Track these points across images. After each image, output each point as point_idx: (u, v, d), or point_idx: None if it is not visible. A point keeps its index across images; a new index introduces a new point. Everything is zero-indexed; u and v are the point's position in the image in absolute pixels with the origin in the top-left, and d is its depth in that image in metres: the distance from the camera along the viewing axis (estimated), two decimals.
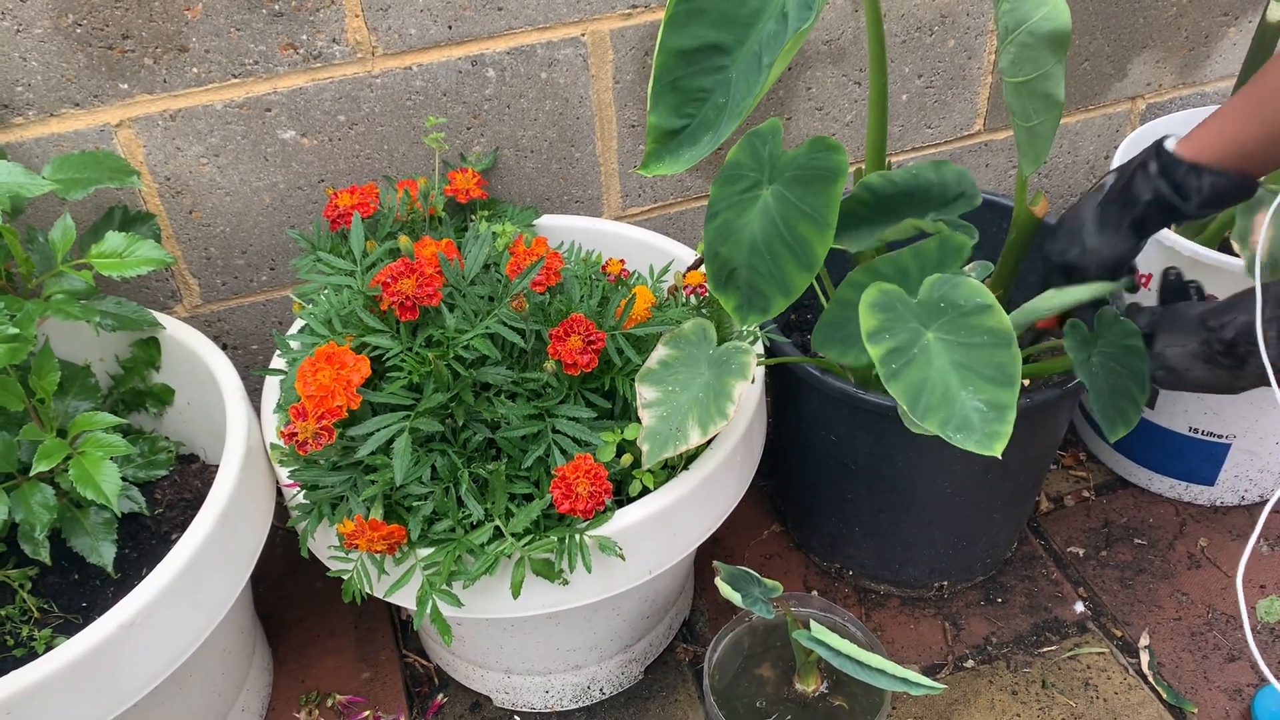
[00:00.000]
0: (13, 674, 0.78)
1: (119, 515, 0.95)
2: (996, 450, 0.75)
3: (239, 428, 0.94)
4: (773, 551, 1.29)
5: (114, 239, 0.95)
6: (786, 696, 0.95)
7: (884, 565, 1.21)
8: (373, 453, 0.85)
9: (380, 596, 0.91)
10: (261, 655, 1.13)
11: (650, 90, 0.69)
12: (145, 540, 1.01)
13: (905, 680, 0.78)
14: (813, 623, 0.83)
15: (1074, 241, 0.90)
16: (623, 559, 0.89)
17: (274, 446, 0.96)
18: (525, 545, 0.86)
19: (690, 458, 0.94)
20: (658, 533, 0.91)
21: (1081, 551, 1.28)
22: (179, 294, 1.15)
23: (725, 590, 0.83)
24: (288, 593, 1.23)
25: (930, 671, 1.16)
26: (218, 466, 0.93)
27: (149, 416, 1.10)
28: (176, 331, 1.04)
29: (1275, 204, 0.86)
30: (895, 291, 0.79)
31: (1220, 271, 1.09)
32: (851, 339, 0.84)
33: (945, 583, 1.22)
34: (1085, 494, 1.34)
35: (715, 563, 0.86)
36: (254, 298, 1.19)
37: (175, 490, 1.05)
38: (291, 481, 0.91)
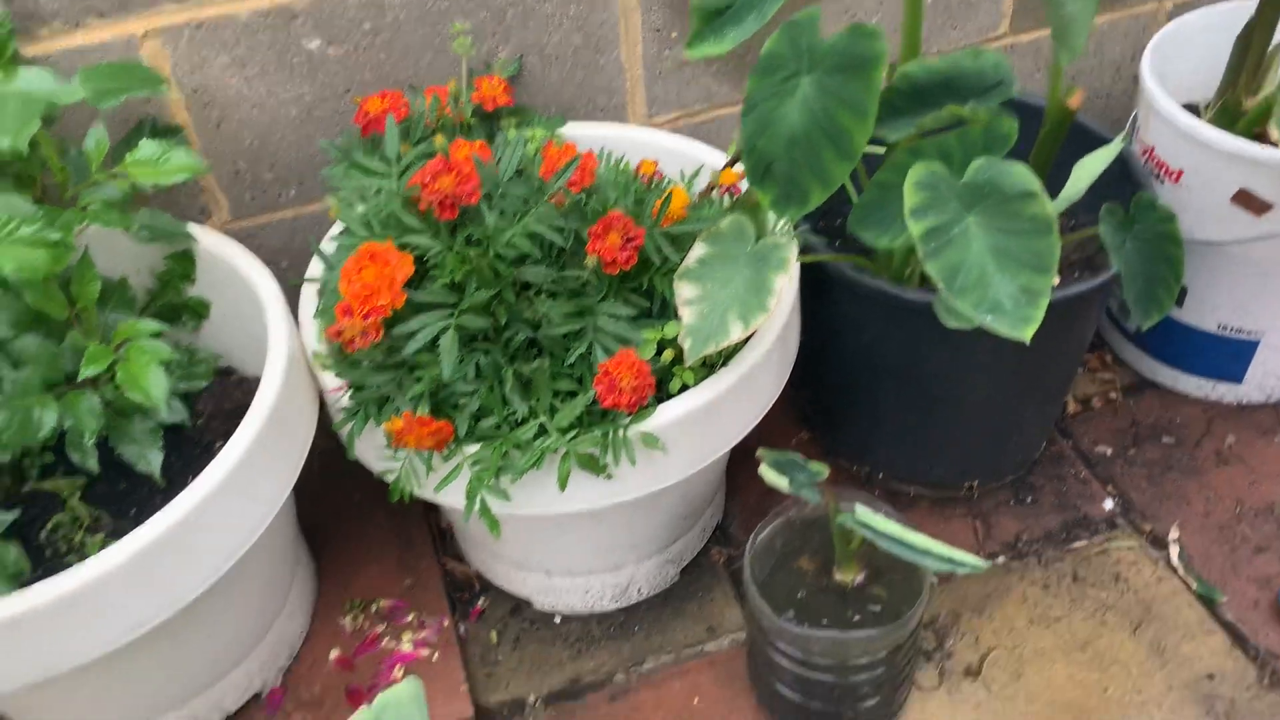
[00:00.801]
0: (75, 569, 0.80)
1: (165, 423, 0.96)
2: (1027, 334, 0.76)
3: (281, 332, 0.94)
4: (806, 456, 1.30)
5: (148, 147, 0.95)
6: (825, 587, 0.96)
7: (914, 467, 1.23)
8: (417, 351, 0.85)
9: (428, 496, 0.93)
10: (305, 564, 1.16)
11: None
12: (189, 451, 1.02)
13: (951, 559, 0.80)
14: (858, 505, 0.84)
15: None
16: (665, 453, 0.90)
17: (315, 354, 0.96)
18: (570, 440, 0.87)
19: (728, 354, 0.95)
20: (699, 428, 0.92)
21: (1109, 451, 1.29)
22: (208, 210, 1.15)
23: (770, 476, 0.84)
24: (327, 506, 1.25)
25: None
26: (257, 379, 0.93)
27: (185, 331, 1.11)
28: (211, 243, 1.05)
29: None
30: (940, 171, 0.79)
31: (1254, 165, 1.08)
32: (889, 220, 0.84)
33: (975, 483, 1.24)
34: (1112, 395, 1.35)
35: (759, 450, 0.87)
36: (283, 213, 1.19)
37: (215, 402, 1.06)
38: (337, 385, 0.92)
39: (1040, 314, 0.74)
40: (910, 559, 0.80)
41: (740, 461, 1.27)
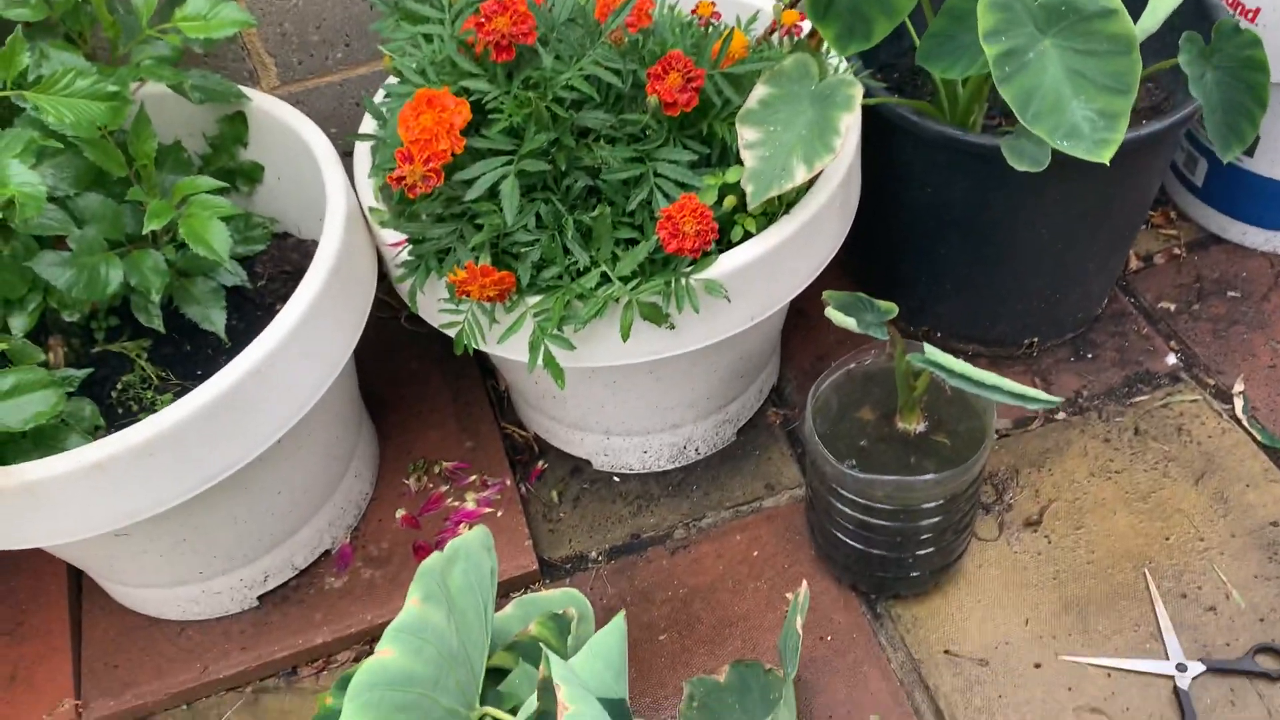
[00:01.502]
0: (150, 419, 0.81)
1: (228, 278, 0.97)
2: (1106, 156, 0.74)
3: (337, 189, 0.94)
4: None
5: (196, 2, 0.93)
6: (887, 436, 0.96)
7: (973, 324, 1.21)
8: (478, 200, 0.85)
9: (490, 350, 0.93)
10: (368, 428, 1.17)
11: None
12: (250, 312, 1.03)
13: (1021, 395, 0.79)
14: (926, 345, 0.83)
15: None
16: (728, 301, 0.89)
17: (373, 210, 0.96)
18: (633, 289, 0.87)
19: (789, 204, 0.93)
20: (762, 276, 0.92)
21: (1173, 306, 1.26)
22: (256, 75, 1.14)
23: (838, 318, 0.83)
24: (386, 375, 1.26)
25: (1022, 424, 1.17)
26: (314, 241, 0.93)
27: (240, 196, 1.11)
28: (263, 104, 1.04)
29: None
30: None
31: None
32: (960, 50, 0.82)
33: (1035, 340, 1.22)
34: (1176, 251, 1.32)
35: (825, 293, 0.86)
36: (330, 77, 1.17)
37: (274, 265, 1.06)
38: (397, 240, 0.92)
39: (1119, 136, 0.72)
40: (980, 394, 0.80)
41: (795, 325, 1.27)
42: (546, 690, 0.77)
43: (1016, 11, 0.75)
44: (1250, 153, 1.22)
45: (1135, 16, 0.93)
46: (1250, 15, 1.12)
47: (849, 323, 0.82)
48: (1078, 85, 0.73)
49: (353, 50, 1.15)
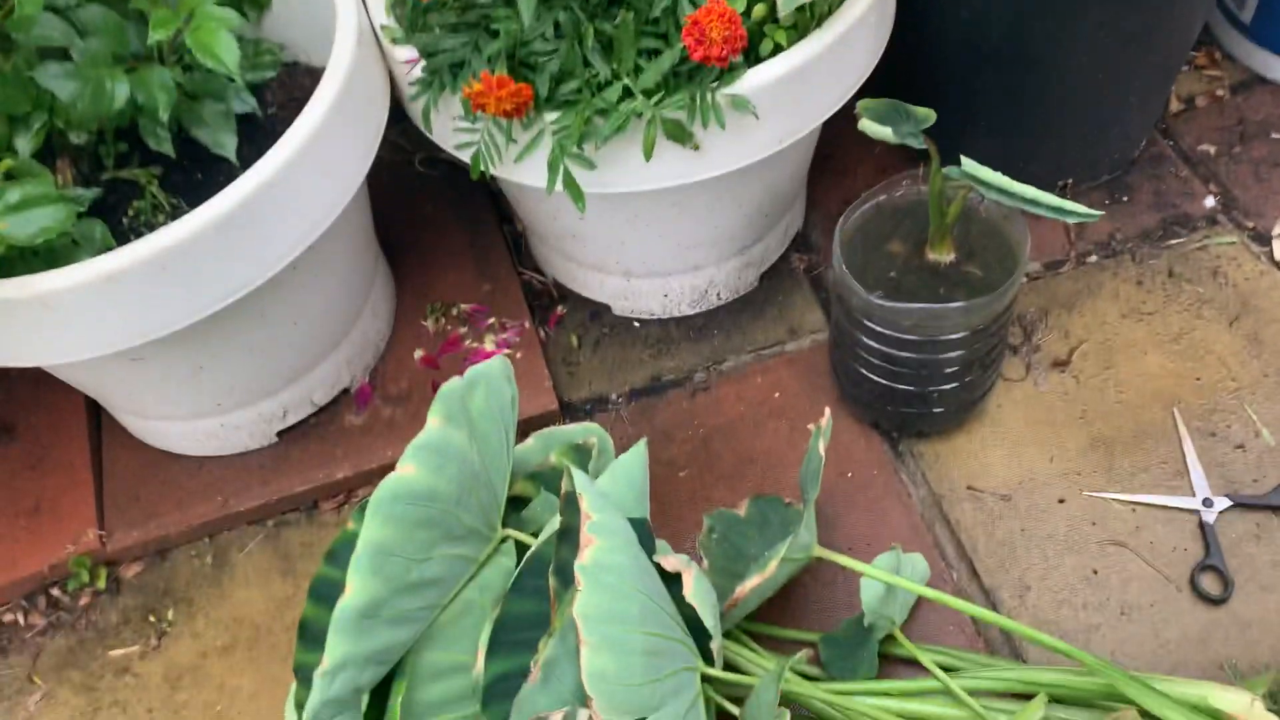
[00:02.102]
0: (163, 230, 0.79)
1: (238, 104, 0.94)
2: None
3: (349, 3, 0.90)
4: (887, 164, 1.25)
5: None
6: (918, 266, 0.94)
7: (1008, 165, 1.14)
8: (493, 4, 0.81)
9: (506, 173, 0.90)
10: (384, 269, 1.15)
11: None
12: (261, 140, 0.99)
13: (1061, 208, 0.76)
14: (963, 158, 0.80)
15: None
16: (756, 117, 0.86)
17: (385, 28, 0.92)
18: (656, 103, 0.83)
19: (822, 18, 0.89)
20: (791, 94, 0.88)
21: (1213, 149, 1.22)
22: None
23: (872, 128, 0.79)
24: (401, 220, 1.24)
25: (1053, 266, 1.14)
26: (324, 68, 0.90)
27: (248, 23, 1.06)
28: None
29: None
30: None
31: None
32: None
33: (1069, 181, 1.18)
34: (1219, 93, 1.27)
35: (861, 102, 0.82)
36: None
37: (284, 92, 1.03)
38: (409, 57, 0.89)
39: None
40: (1018, 206, 0.77)
41: (822, 170, 1.23)
42: (570, 504, 0.76)
43: None
44: None
45: None
46: None
47: (884, 132, 0.78)
48: None
49: None
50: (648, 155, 0.85)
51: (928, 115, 0.81)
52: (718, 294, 1.15)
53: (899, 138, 0.79)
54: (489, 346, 1.12)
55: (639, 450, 0.86)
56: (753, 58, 0.87)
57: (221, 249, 0.81)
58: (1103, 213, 0.97)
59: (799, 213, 1.21)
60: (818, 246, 1.20)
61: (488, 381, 0.87)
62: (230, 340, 0.93)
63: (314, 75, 1.04)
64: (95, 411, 1.11)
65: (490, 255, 1.21)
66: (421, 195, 1.26)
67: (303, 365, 1.04)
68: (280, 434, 1.07)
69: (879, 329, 0.93)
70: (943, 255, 0.93)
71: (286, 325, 0.97)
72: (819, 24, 0.88)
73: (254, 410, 1.04)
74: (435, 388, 1.09)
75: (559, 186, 0.87)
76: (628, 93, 0.84)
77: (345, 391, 1.10)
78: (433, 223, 1.24)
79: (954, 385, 0.97)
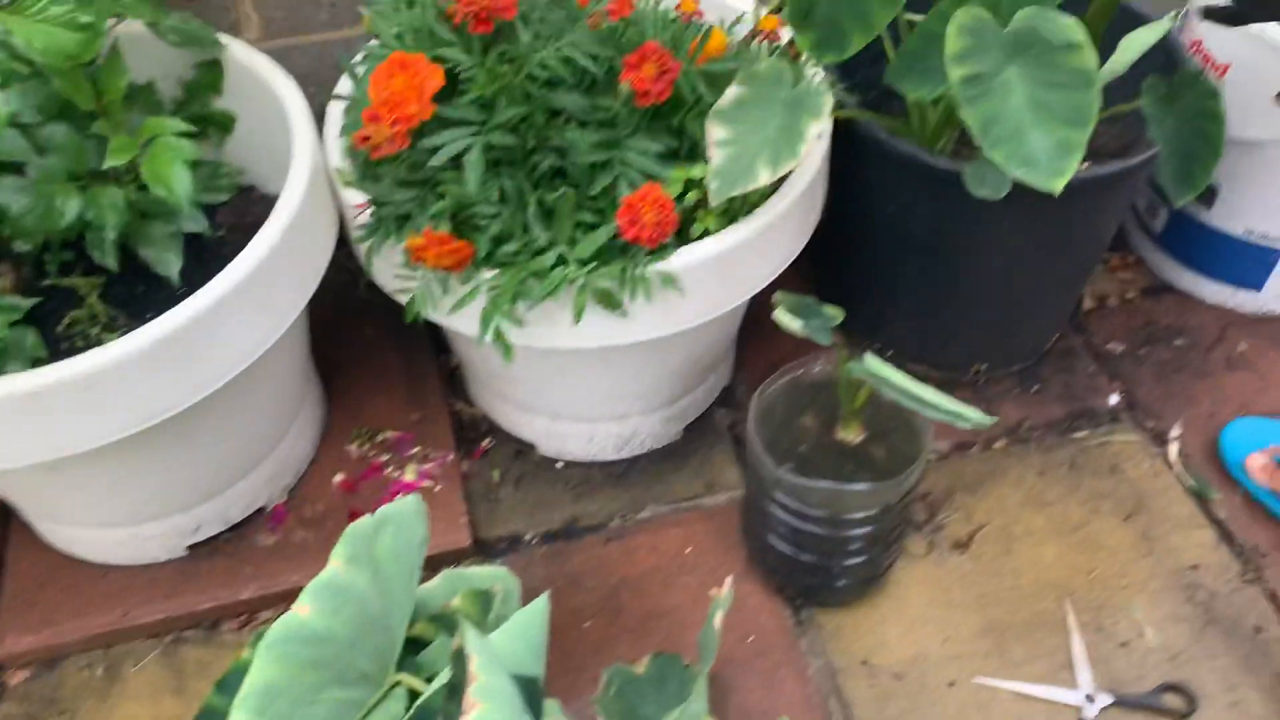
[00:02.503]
0: (92, 352, 0.81)
1: (185, 231, 0.96)
2: (1058, 186, 0.75)
3: (305, 145, 0.94)
4: None
5: None
6: (827, 444, 0.98)
7: (925, 347, 1.23)
8: (442, 169, 0.85)
9: (442, 319, 0.93)
10: (315, 390, 1.17)
11: None
12: (208, 260, 1.03)
13: (957, 413, 0.80)
14: (868, 355, 0.84)
15: None
16: (682, 295, 0.90)
17: (339, 171, 0.96)
18: (589, 272, 0.87)
19: (752, 206, 0.94)
20: (717, 275, 0.93)
21: (1121, 348, 1.29)
22: (238, 27, 1.14)
23: (785, 320, 0.84)
24: (340, 341, 1.26)
25: (961, 449, 1.19)
26: (277, 197, 0.93)
27: (211, 145, 1.10)
28: (241, 54, 1.03)
29: None
30: (986, 18, 0.78)
31: None
32: (929, 73, 0.83)
33: (983, 367, 1.24)
34: (1129, 296, 1.35)
35: (777, 293, 0.87)
36: (314, 36, 1.17)
37: (236, 216, 1.06)
38: (359, 202, 0.92)
39: (1073, 167, 0.74)
40: (916, 408, 0.81)
41: (751, 330, 1.28)
42: (459, 660, 0.77)
43: (985, 38, 0.77)
44: (1208, 205, 1.25)
45: (1106, 58, 0.96)
46: (1220, 70, 1.15)
47: (794, 325, 0.83)
48: (1039, 114, 0.75)
49: (338, 12, 1.15)
50: (577, 319, 0.89)
51: (836, 314, 0.86)
52: (642, 442, 1.18)
53: (807, 331, 0.84)
54: (410, 477, 1.14)
55: (541, 605, 0.87)
56: (685, 236, 0.92)
57: (149, 374, 0.83)
58: (996, 419, 1.02)
59: (727, 370, 1.25)
60: (742, 404, 1.24)
61: (398, 521, 0.88)
62: (150, 457, 0.94)
63: (267, 203, 1.07)
64: (4, 512, 1.10)
65: (423, 383, 1.23)
66: (362, 318, 1.29)
67: (222, 483, 1.04)
68: (191, 548, 1.07)
69: (787, 501, 0.96)
70: (851, 435, 0.97)
71: (209, 445, 0.98)
72: (749, 211, 0.93)
73: (167, 523, 1.04)
74: (352, 514, 1.10)
75: (489, 338, 0.90)
76: (563, 260, 0.88)
77: (261, 510, 1.10)
78: (370, 346, 1.26)
79: (858, 560, 1.01)
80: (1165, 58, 1.07)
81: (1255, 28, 1.09)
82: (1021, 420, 1.21)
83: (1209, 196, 1.24)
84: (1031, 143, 0.75)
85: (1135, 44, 0.90)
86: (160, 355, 0.82)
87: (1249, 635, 1.03)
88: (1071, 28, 0.76)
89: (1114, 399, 1.23)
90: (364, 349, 1.26)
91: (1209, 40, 1.15)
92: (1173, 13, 0.98)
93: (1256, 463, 1.12)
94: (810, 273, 1.35)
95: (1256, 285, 1.28)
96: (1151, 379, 1.25)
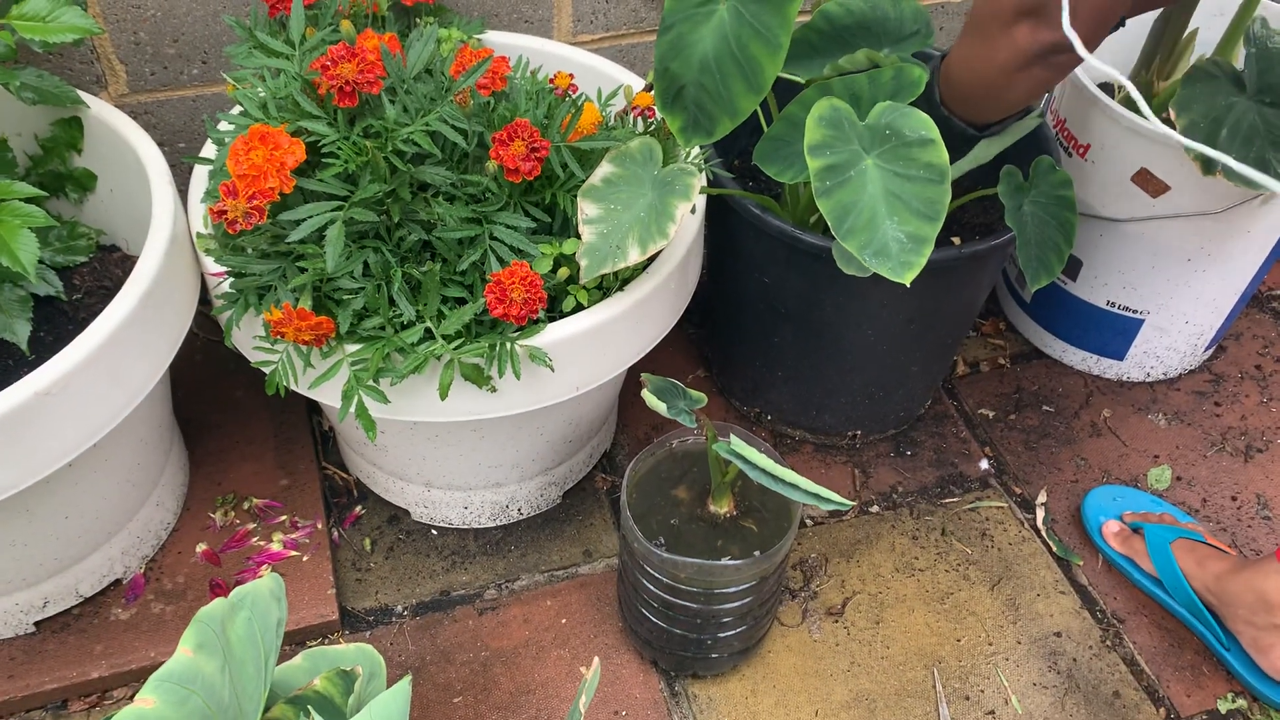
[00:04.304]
0: None
1: (35, 294, 0.93)
2: (908, 278, 0.77)
3: (164, 210, 0.91)
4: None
5: (38, 2, 0.90)
6: (699, 517, 0.98)
7: (801, 412, 1.24)
8: (303, 241, 0.83)
9: (304, 391, 0.91)
10: (178, 455, 1.13)
11: None
12: (62, 325, 0.99)
13: (817, 495, 0.81)
14: (733, 436, 0.85)
15: None
16: (552, 370, 0.90)
17: (200, 236, 0.93)
18: (456, 348, 0.86)
19: (625, 280, 0.94)
20: (589, 350, 0.92)
21: (991, 414, 1.32)
22: (104, 80, 1.10)
23: (651, 401, 0.84)
24: (207, 400, 1.22)
25: (837, 513, 1.20)
26: (139, 257, 0.90)
27: (69, 203, 1.06)
28: (101, 112, 1.00)
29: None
30: (845, 110, 0.79)
31: (1154, 145, 1.11)
32: (793, 157, 0.84)
33: (859, 432, 1.26)
34: (1001, 361, 1.39)
35: (643, 375, 0.87)
36: (183, 91, 1.14)
37: (94, 278, 1.02)
38: (218, 270, 0.90)
39: (923, 260, 0.75)
40: (778, 490, 0.82)
41: (632, 393, 1.28)
42: None
43: (843, 129, 0.78)
44: (1073, 276, 1.30)
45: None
46: (1082, 150, 1.19)
47: (660, 407, 0.83)
48: (893, 206, 0.77)
49: (209, 68, 1.12)
50: (443, 395, 0.87)
51: (699, 399, 0.86)
52: (519, 509, 1.17)
53: (672, 414, 0.84)
54: (276, 546, 1.10)
55: (402, 688, 0.85)
56: (556, 311, 0.91)
57: None
58: (854, 503, 1.03)
59: (608, 434, 1.24)
60: (623, 468, 1.24)
61: (254, 603, 0.85)
62: None
63: (128, 265, 1.04)
64: None
65: (294, 447, 1.20)
66: (232, 378, 1.25)
67: (72, 556, 1.00)
68: (38, 623, 1.02)
69: (657, 575, 0.95)
70: (722, 509, 0.98)
71: (57, 520, 0.94)
72: (622, 286, 0.93)
73: (11, 600, 0.98)
74: (213, 586, 1.06)
75: (351, 413, 0.88)
76: (429, 334, 0.86)
77: (118, 582, 1.06)
78: (239, 408, 1.23)
79: (731, 633, 1.00)
80: (1028, 138, 1.11)
81: (1111, 108, 1.13)
82: (895, 485, 1.24)
83: (1073, 269, 1.28)
84: (884, 233, 0.76)
85: (1001, 138, 0.93)
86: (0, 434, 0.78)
87: (1108, 701, 1.06)
88: (925, 123, 0.78)
89: (984, 464, 1.26)
90: (232, 410, 1.22)
91: (1072, 120, 1.20)
92: (1038, 106, 1.02)
93: (1111, 529, 1.16)
94: (694, 335, 1.37)
95: (1119, 355, 1.33)
96: (1020, 445, 1.29)
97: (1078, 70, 1.17)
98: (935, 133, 0.78)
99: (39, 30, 0.89)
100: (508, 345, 0.87)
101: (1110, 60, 1.28)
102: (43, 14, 0.90)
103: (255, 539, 1.11)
